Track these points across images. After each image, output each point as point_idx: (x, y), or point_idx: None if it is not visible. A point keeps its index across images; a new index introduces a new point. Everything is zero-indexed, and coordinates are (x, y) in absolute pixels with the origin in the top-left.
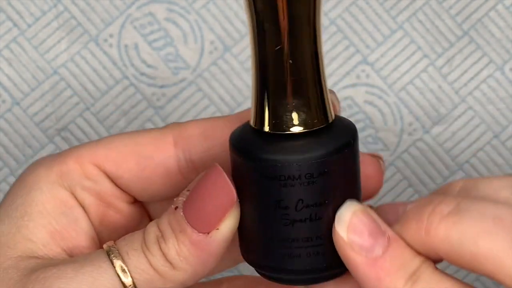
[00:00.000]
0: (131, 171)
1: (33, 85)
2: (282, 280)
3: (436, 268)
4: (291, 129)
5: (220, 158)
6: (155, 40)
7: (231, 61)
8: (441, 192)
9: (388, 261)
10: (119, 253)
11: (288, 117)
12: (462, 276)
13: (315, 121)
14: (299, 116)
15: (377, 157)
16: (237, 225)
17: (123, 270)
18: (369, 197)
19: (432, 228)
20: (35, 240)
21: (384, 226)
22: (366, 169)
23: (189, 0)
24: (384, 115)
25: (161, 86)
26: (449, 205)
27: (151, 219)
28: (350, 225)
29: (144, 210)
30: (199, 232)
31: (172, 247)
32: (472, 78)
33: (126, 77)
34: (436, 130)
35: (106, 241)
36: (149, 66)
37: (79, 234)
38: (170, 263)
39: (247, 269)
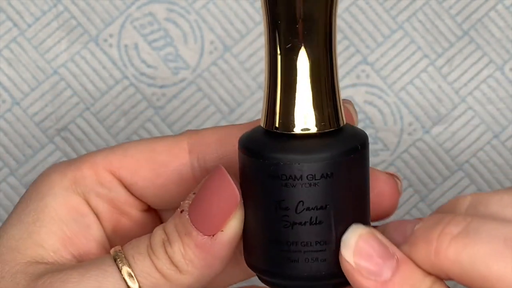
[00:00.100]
0: (146, 178)
1: (33, 85)
2: (279, 286)
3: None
4: (298, 129)
5: (234, 166)
6: (155, 40)
7: (231, 61)
8: (449, 209)
9: (397, 283)
10: (125, 257)
11: (296, 117)
12: None
13: (323, 123)
14: (308, 117)
15: (393, 176)
16: (241, 226)
17: (130, 275)
18: (384, 217)
19: (442, 250)
20: (46, 246)
21: (392, 248)
22: (380, 187)
23: (189, 0)
24: (384, 115)
25: (161, 86)
26: (458, 226)
27: None
28: (357, 249)
29: (158, 218)
30: (204, 234)
31: (178, 250)
32: (472, 78)
33: (126, 77)
34: (436, 130)
35: None
36: (149, 66)
37: (90, 241)
38: (176, 266)
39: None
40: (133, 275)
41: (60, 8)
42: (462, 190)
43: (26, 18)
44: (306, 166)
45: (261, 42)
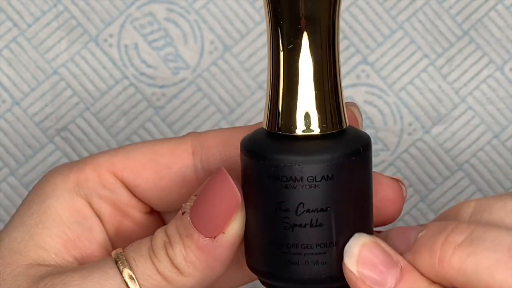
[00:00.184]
0: (149, 180)
1: (33, 85)
2: None
3: None
4: (300, 131)
5: (237, 168)
6: (155, 40)
7: (231, 61)
8: (453, 214)
9: None
10: (126, 259)
11: (298, 119)
12: None
13: (325, 125)
14: (309, 119)
15: (397, 181)
16: (243, 228)
17: (131, 277)
18: (387, 222)
19: (445, 259)
20: (48, 248)
21: (396, 256)
22: (384, 191)
23: (189, 0)
24: (384, 115)
25: (161, 86)
26: (462, 234)
27: None
28: (360, 258)
29: (160, 220)
30: (206, 236)
31: (179, 253)
32: (472, 78)
33: (126, 77)
34: (436, 130)
35: None
36: (149, 66)
37: (93, 243)
38: (177, 268)
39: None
40: (134, 277)
41: (60, 8)
42: (462, 190)
43: (26, 18)
44: (306, 167)
45: (261, 42)
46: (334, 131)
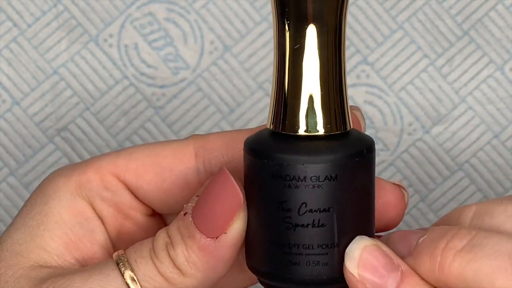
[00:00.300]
0: (151, 183)
1: (33, 85)
2: None
3: None
4: (303, 131)
5: (240, 171)
6: (155, 40)
7: (231, 61)
8: (454, 218)
9: None
10: (127, 261)
11: (302, 119)
12: None
13: (329, 126)
14: (314, 119)
15: (399, 186)
16: (245, 228)
17: (132, 279)
18: (389, 227)
19: (446, 264)
20: (49, 250)
21: (397, 260)
22: (386, 196)
23: (189, 0)
24: (384, 115)
25: (161, 86)
26: (463, 240)
27: None
28: (361, 261)
29: (162, 222)
30: (208, 237)
31: (181, 253)
32: (472, 78)
33: (126, 77)
34: (436, 130)
35: None
36: (149, 66)
37: (94, 245)
38: (179, 269)
39: None
40: (135, 279)
41: (60, 8)
42: (462, 190)
43: (26, 18)
44: (310, 167)
45: (261, 42)
46: (338, 132)
